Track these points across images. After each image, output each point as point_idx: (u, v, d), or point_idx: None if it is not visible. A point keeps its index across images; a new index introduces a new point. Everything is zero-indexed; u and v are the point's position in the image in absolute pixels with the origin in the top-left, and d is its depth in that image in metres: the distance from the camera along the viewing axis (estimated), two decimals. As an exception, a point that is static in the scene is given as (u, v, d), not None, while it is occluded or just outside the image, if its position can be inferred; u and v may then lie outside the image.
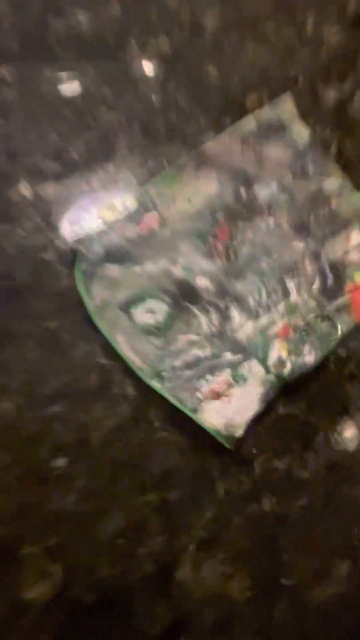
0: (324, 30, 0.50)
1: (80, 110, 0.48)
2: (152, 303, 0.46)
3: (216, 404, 0.44)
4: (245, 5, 0.50)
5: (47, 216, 0.47)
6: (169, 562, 0.41)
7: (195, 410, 0.43)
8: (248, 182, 0.50)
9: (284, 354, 0.46)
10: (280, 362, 0.46)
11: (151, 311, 0.46)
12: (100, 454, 0.43)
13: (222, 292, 0.48)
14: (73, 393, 0.44)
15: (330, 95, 0.51)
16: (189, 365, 0.45)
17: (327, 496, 0.44)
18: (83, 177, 0.47)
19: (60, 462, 0.42)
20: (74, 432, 0.43)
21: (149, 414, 0.45)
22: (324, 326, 0.47)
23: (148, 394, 0.44)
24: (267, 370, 0.46)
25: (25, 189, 0.47)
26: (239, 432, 0.43)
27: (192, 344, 0.45)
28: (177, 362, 0.45)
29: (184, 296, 0.47)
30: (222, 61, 0.50)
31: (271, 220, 0.50)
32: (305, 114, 0.50)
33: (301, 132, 0.50)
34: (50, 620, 0.37)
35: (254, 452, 0.45)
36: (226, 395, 0.44)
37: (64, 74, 0.48)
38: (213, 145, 0.49)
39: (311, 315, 0.48)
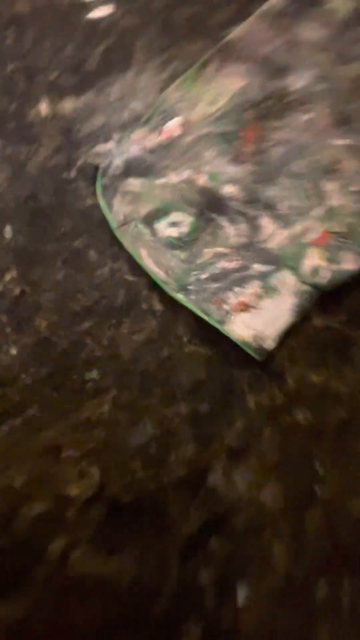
0: None
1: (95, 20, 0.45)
2: (176, 216, 0.44)
3: (245, 316, 0.42)
4: None
5: (67, 133, 0.46)
6: (200, 468, 0.42)
7: (222, 322, 0.42)
8: (279, 73, 0.44)
9: (321, 262, 0.43)
10: (316, 271, 0.43)
11: (175, 224, 0.44)
12: (130, 367, 0.44)
13: (251, 199, 0.45)
14: (102, 310, 0.45)
15: None
16: (215, 278, 0.43)
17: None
18: (102, 90, 0.45)
19: (94, 374, 0.44)
20: (104, 347, 0.44)
21: (177, 328, 0.44)
22: (366, 230, 0.43)
23: (175, 308, 0.44)
24: (301, 280, 0.43)
25: (45, 108, 0.46)
26: (270, 344, 0.42)
27: (218, 256, 0.44)
28: (203, 275, 0.43)
29: (209, 206, 0.45)
30: None
31: (306, 116, 0.44)
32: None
33: (343, 2, 0.43)
34: (91, 515, 0.40)
35: (287, 365, 0.44)
36: (255, 307, 0.42)
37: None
38: (239, 34, 0.44)
39: (351, 220, 0.43)
